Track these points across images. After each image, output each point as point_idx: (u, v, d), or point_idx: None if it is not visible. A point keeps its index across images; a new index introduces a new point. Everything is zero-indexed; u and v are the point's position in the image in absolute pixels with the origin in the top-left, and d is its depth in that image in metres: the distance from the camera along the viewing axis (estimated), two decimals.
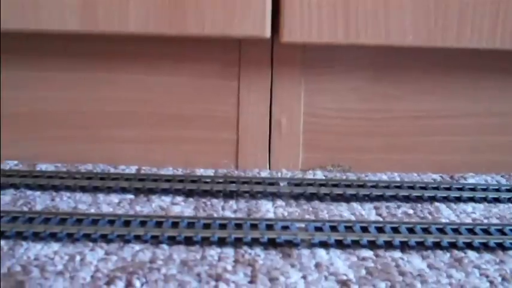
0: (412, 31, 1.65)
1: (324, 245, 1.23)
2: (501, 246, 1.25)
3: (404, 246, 1.24)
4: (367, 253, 1.21)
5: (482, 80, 1.81)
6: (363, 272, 1.13)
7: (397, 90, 1.80)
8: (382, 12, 1.64)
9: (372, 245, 1.24)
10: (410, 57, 1.78)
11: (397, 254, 1.21)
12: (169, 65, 1.76)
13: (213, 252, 1.18)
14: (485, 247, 1.25)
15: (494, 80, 1.81)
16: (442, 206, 1.52)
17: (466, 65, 1.79)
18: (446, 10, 1.64)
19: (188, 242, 1.22)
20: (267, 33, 1.64)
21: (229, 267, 1.12)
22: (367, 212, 1.46)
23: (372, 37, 1.65)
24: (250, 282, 1.07)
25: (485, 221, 1.43)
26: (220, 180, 1.59)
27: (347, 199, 1.54)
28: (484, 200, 1.57)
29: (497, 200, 1.57)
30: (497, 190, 1.61)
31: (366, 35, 1.65)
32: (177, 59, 1.76)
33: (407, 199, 1.55)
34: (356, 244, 1.24)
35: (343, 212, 1.45)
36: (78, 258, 1.13)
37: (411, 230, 1.30)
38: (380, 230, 1.29)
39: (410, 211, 1.48)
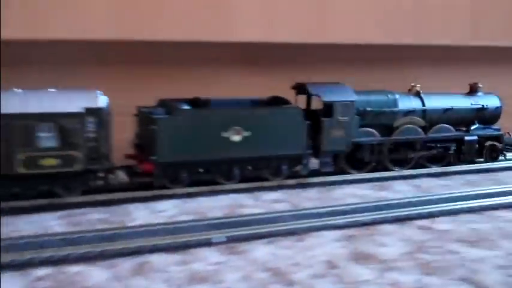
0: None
1: None
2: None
3: (87, 258, 1.13)
4: (44, 271, 1.09)
5: None
6: None
7: None
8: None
9: (50, 262, 1.11)
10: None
11: (77, 267, 1.11)
12: None
13: None
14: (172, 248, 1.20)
15: None
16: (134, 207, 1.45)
17: None
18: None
19: None
20: None
21: None
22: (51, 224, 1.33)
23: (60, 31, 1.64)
24: None
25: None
26: None
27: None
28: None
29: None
30: None
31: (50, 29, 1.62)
32: None
33: (100, 203, 1.45)
34: (30, 263, 1.10)
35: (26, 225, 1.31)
36: None
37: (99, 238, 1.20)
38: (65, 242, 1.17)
39: (107, 215, 1.39)
